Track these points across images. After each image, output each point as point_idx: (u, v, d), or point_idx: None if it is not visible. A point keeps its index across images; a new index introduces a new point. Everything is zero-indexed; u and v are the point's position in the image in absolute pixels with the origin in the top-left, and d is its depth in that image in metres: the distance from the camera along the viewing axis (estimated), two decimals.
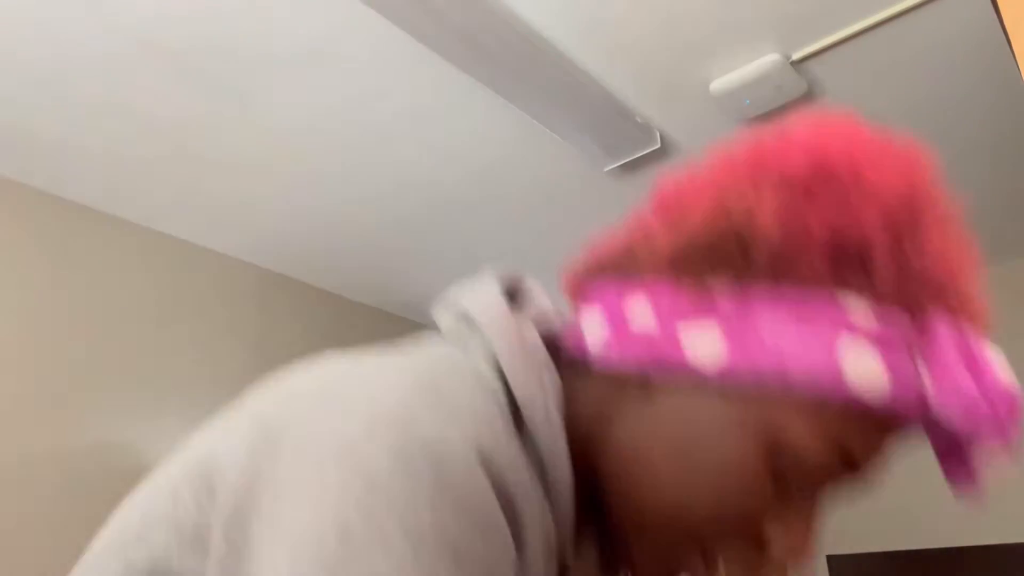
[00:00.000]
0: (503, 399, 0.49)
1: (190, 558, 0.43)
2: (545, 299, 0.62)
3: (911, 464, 3.18)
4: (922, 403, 0.48)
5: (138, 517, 0.49)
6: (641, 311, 0.51)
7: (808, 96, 2.28)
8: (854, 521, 3.44)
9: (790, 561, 0.52)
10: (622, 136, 2.36)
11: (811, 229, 0.48)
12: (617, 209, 2.73)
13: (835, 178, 0.50)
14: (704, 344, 0.48)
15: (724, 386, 0.49)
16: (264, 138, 2.47)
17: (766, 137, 0.55)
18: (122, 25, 1.99)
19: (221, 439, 0.48)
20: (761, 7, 1.94)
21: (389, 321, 3.86)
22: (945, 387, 0.47)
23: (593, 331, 0.54)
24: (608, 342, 0.52)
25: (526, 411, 0.49)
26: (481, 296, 0.57)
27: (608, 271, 0.58)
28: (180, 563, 0.44)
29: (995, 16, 1.89)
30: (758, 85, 2.15)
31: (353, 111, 2.34)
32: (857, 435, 0.50)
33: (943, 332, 0.48)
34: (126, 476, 2.71)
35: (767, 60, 2.08)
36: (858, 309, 0.48)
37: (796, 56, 2.09)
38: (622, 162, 2.50)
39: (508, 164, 2.62)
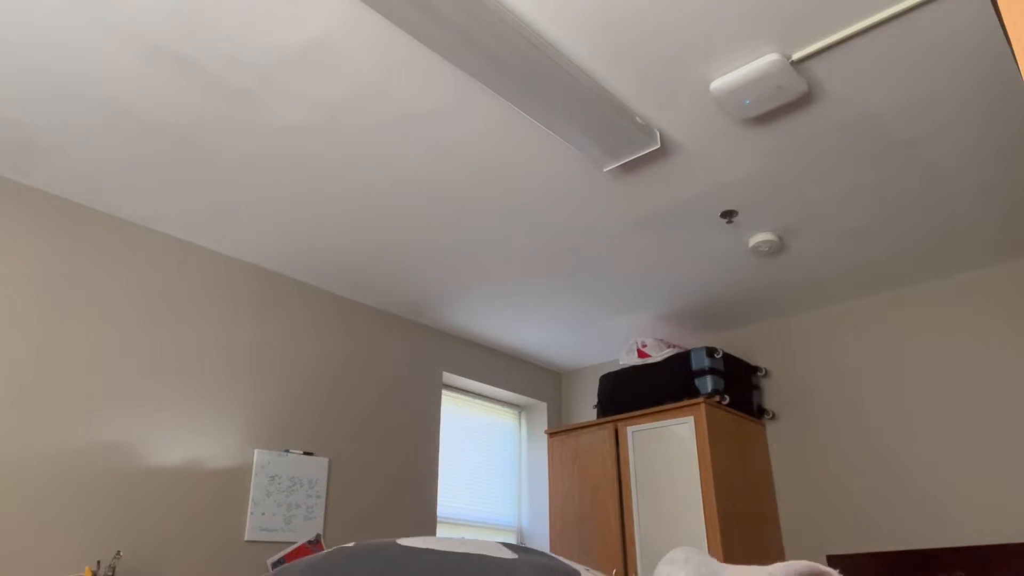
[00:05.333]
0: None
1: None
2: None
3: (911, 465, 3.20)
4: None
5: None
6: None
7: (808, 96, 2.28)
8: (854, 521, 3.44)
9: None
10: (622, 136, 2.36)
11: None
12: (617, 209, 2.76)
13: None
14: None
15: None
16: (264, 138, 2.47)
17: None
18: (123, 27, 1.99)
19: None
20: (761, 7, 1.94)
21: (389, 321, 3.87)
22: None
23: None
24: None
25: None
26: None
27: None
28: None
29: (995, 16, 1.90)
30: (758, 85, 2.15)
31: (353, 111, 2.34)
32: None
33: None
34: (126, 476, 2.72)
35: (767, 60, 2.08)
36: None
37: (796, 56, 2.09)
38: (622, 162, 2.50)
39: (508, 164, 2.62)
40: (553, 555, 0.49)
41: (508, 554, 0.45)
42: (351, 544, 0.47)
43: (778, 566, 0.46)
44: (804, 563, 0.47)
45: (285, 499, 3.13)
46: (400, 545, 0.45)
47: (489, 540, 0.47)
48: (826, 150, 2.54)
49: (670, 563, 0.46)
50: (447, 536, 0.52)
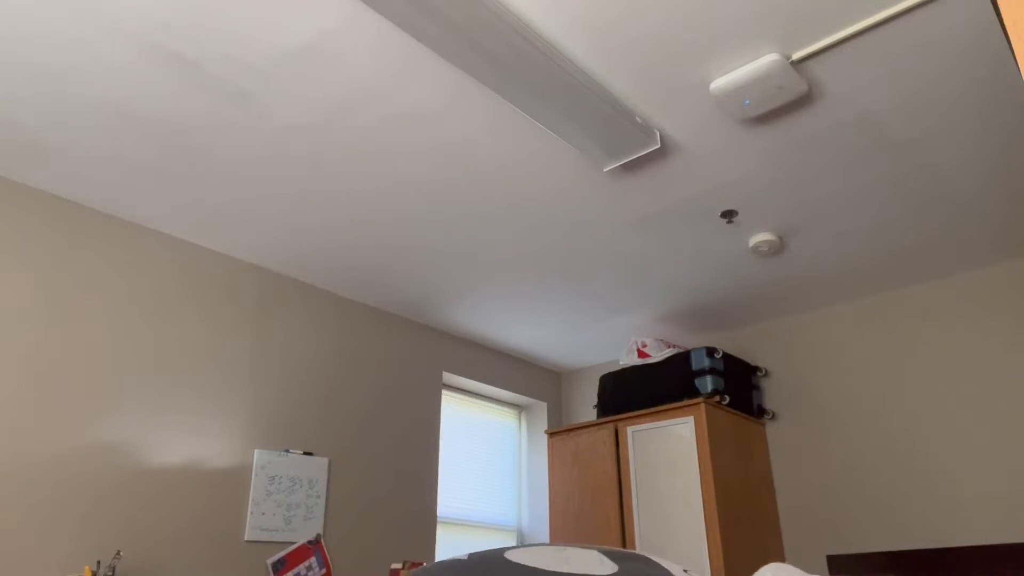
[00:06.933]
0: None
1: None
2: None
3: (912, 465, 3.20)
4: None
5: None
6: None
7: (808, 96, 2.28)
8: (854, 521, 3.44)
9: None
10: (622, 136, 2.36)
11: None
12: (617, 209, 2.75)
13: None
14: None
15: None
16: (264, 138, 2.47)
17: None
18: (123, 27, 1.99)
19: None
20: (761, 7, 1.94)
21: (389, 321, 3.87)
22: None
23: None
24: None
25: None
26: None
27: None
28: None
29: (995, 16, 1.90)
30: (758, 85, 2.15)
31: (353, 111, 2.34)
32: None
33: None
34: (126, 476, 2.72)
35: (767, 60, 2.08)
36: None
37: (796, 56, 2.09)
38: (622, 162, 2.50)
39: (508, 164, 2.62)
40: (650, 557, 0.50)
41: (609, 567, 0.46)
42: (465, 556, 0.49)
43: None
44: None
45: (285, 499, 3.13)
46: (509, 561, 0.46)
47: (591, 551, 0.48)
48: (826, 150, 2.54)
49: None
50: (552, 547, 0.52)
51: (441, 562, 0.48)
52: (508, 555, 0.47)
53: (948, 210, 2.91)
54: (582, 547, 0.50)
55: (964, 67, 2.15)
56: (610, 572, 0.46)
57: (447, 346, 4.15)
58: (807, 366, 3.81)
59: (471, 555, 0.49)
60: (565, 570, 0.45)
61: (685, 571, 0.48)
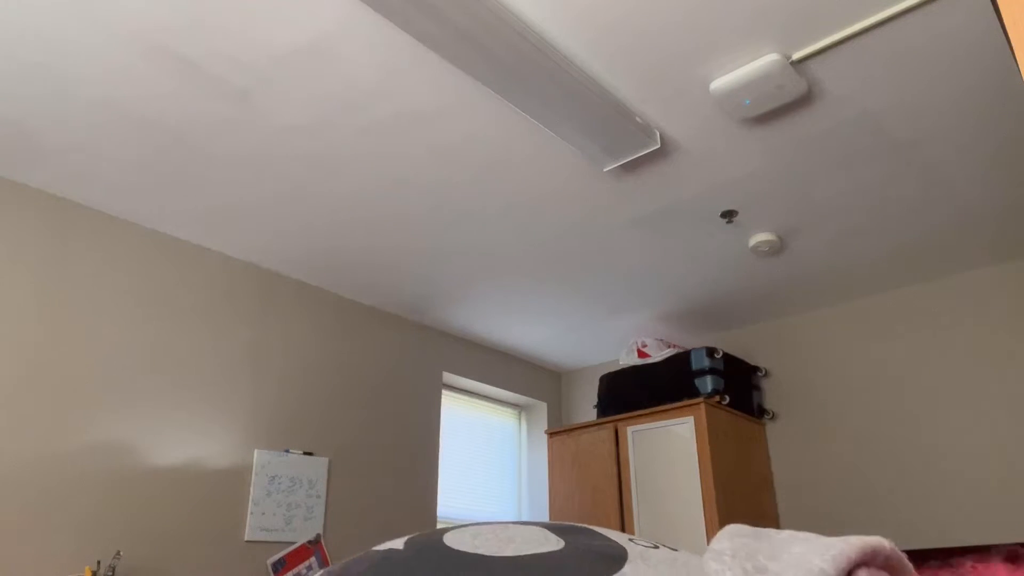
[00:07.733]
0: None
1: None
2: None
3: (912, 464, 3.19)
4: None
5: None
6: None
7: (808, 96, 2.28)
8: (854, 521, 3.44)
9: None
10: (622, 136, 2.36)
11: None
12: (617, 209, 2.75)
13: None
14: None
15: None
16: (264, 138, 2.47)
17: None
18: (123, 26, 1.99)
19: None
20: (761, 7, 1.94)
21: (389, 321, 3.87)
22: None
23: None
24: None
25: None
26: None
27: None
28: None
29: (995, 16, 1.90)
30: (758, 85, 2.15)
31: (353, 111, 2.34)
32: None
33: None
34: (126, 476, 2.71)
35: (767, 60, 2.08)
36: None
37: (796, 56, 2.09)
38: (622, 162, 2.50)
39: (508, 164, 2.62)
40: (596, 530, 0.46)
41: (554, 543, 0.43)
42: (401, 545, 0.45)
43: (838, 548, 0.40)
44: (861, 548, 0.41)
45: (285, 499, 3.13)
46: (450, 548, 0.43)
47: (535, 527, 0.45)
48: (826, 150, 2.54)
49: (717, 557, 0.43)
50: (492, 525, 0.48)
51: (375, 552, 0.44)
52: (448, 540, 0.44)
53: (948, 210, 2.91)
54: (524, 523, 0.47)
55: (964, 67, 2.15)
56: (556, 548, 0.43)
57: (447, 346, 4.15)
58: (807, 366, 3.81)
59: (408, 542, 0.45)
60: (509, 552, 0.42)
61: (631, 539, 0.46)
